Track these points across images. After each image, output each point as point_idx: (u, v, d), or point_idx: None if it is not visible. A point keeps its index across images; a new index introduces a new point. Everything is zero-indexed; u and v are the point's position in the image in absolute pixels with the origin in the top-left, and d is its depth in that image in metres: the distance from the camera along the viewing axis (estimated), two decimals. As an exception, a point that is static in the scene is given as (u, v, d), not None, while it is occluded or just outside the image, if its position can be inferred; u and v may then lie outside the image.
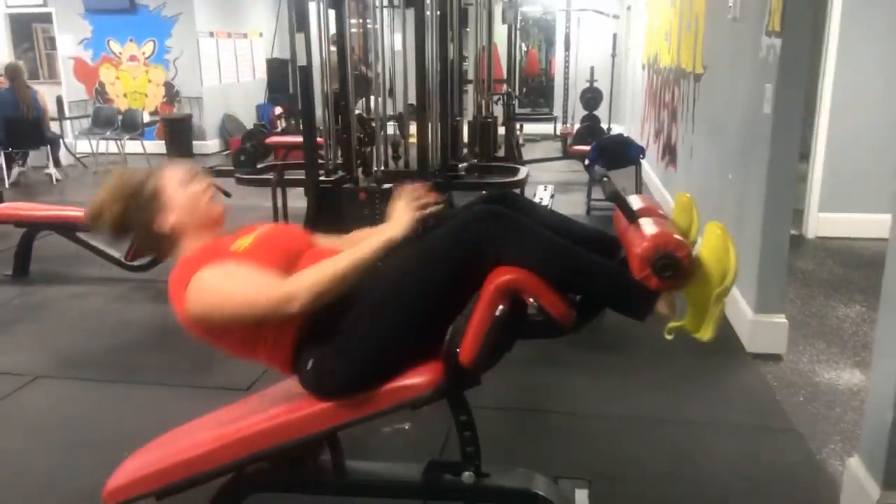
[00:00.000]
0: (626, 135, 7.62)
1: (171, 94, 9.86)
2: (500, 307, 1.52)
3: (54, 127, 8.52)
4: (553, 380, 3.04)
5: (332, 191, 3.70)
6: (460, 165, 3.80)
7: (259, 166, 4.05)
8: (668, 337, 1.57)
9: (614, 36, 9.72)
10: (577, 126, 9.23)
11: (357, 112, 4.23)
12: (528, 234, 1.55)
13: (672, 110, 6.15)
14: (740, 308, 3.36)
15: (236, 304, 1.57)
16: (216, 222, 1.81)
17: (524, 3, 11.01)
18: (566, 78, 10.71)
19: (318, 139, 3.89)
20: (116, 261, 4.32)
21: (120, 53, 9.83)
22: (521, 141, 8.79)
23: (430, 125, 3.65)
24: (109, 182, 1.81)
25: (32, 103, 7.66)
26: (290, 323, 1.62)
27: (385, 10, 4.29)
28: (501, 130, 7.07)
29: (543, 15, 12.17)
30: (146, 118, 9.33)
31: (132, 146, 9.14)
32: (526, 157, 8.18)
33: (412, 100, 4.22)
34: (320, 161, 3.79)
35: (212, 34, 9.85)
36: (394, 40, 4.58)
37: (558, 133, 10.01)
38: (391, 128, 4.38)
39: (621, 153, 5.86)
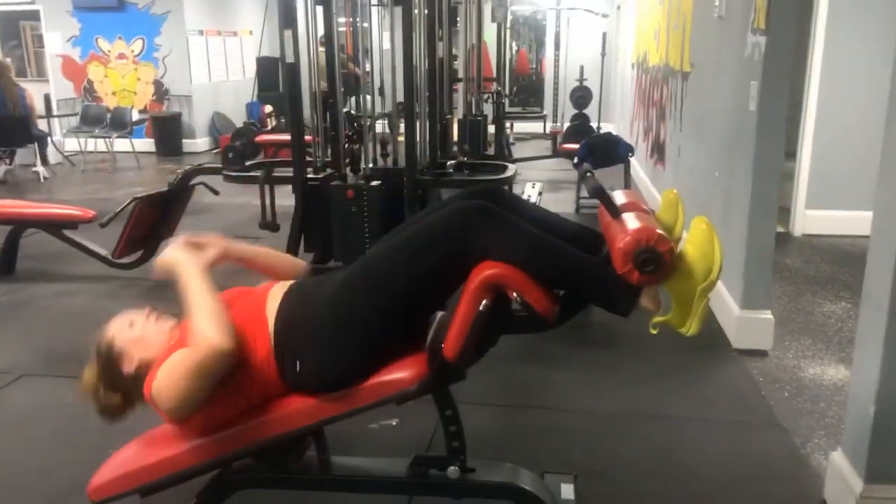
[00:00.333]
0: (615, 133, 7.64)
1: (161, 92, 9.81)
2: (484, 302, 1.52)
3: (42, 125, 8.47)
4: (539, 375, 3.05)
5: (320, 188, 3.70)
6: (449, 163, 3.80)
7: (247, 164, 4.03)
8: (653, 331, 1.58)
9: (604, 35, 9.75)
10: (566, 125, 9.26)
11: (345, 110, 4.22)
12: (514, 229, 1.56)
13: (660, 109, 6.17)
14: (726, 304, 3.38)
15: (186, 382, 1.58)
16: (175, 338, 1.78)
17: (514, 1, 11.01)
18: (556, 77, 10.73)
19: (307, 137, 3.89)
20: (103, 258, 4.30)
21: (108, 51, 9.78)
22: (510, 139, 8.81)
23: (418, 123, 3.65)
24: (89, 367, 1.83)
25: (20, 101, 7.61)
26: (256, 345, 1.65)
27: (374, 9, 4.29)
28: (491, 129, 7.09)
29: (533, 14, 12.18)
30: (135, 116, 9.28)
31: (121, 144, 9.09)
32: (516, 155, 8.19)
33: (400, 98, 4.23)
34: (308, 158, 3.78)
35: (201, 32, 9.81)
36: (383, 39, 4.57)
37: (548, 132, 10.03)
38: (380, 126, 4.38)
39: (610, 151, 5.87)
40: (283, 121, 8.87)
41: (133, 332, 1.78)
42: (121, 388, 1.78)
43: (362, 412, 1.66)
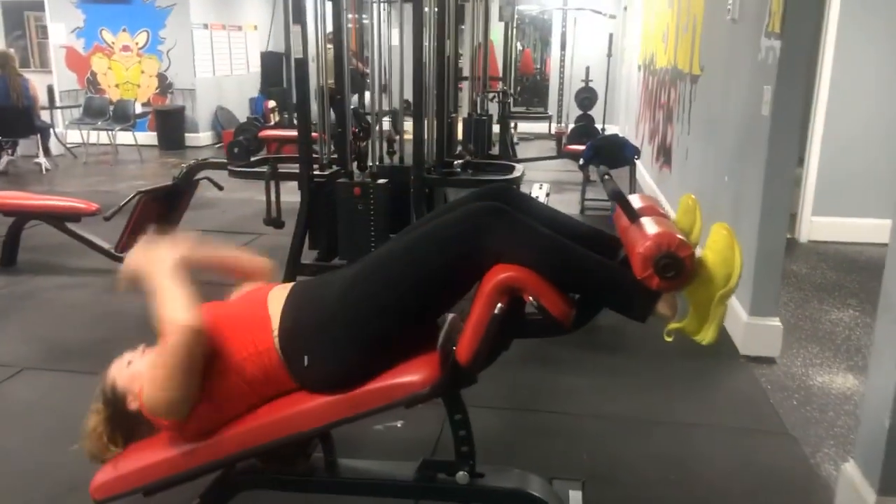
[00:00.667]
0: (621, 135, 7.61)
1: (164, 85, 9.77)
2: (499, 305, 1.49)
3: (45, 116, 8.43)
4: (546, 379, 3.02)
5: (326, 185, 3.66)
6: (456, 163, 3.76)
7: (252, 160, 3.99)
8: (668, 339, 1.56)
9: (610, 36, 9.71)
10: (571, 125, 9.22)
11: (352, 107, 4.19)
12: (529, 231, 1.53)
13: (668, 111, 6.14)
14: (735, 310, 3.35)
15: (169, 373, 1.58)
16: None
17: (521, 1, 10.98)
18: (561, 77, 10.69)
19: (313, 133, 3.85)
20: (106, 251, 4.27)
21: (113, 43, 9.73)
22: (514, 139, 8.78)
23: (426, 121, 3.62)
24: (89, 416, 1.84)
25: (23, 91, 7.57)
26: (255, 336, 1.65)
27: (381, 6, 4.25)
28: (496, 129, 7.06)
29: (539, 14, 12.14)
30: (138, 109, 9.24)
31: (123, 137, 9.05)
32: (520, 155, 8.16)
33: (407, 96, 4.19)
34: (314, 155, 3.74)
35: (206, 26, 9.77)
36: (389, 36, 4.54)
37: (553, 132, 10.00)
38: (385, 123, 4.35)
39: (616, 153, 5.84)
40: (286, 116, 8.84)
41: (130, 369, 1.79)
42: (128, 427, 1.78)
43: (372, 415, 1.63)
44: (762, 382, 3.03)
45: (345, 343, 1.60)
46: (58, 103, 9.28)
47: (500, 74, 8.45)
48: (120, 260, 4.20)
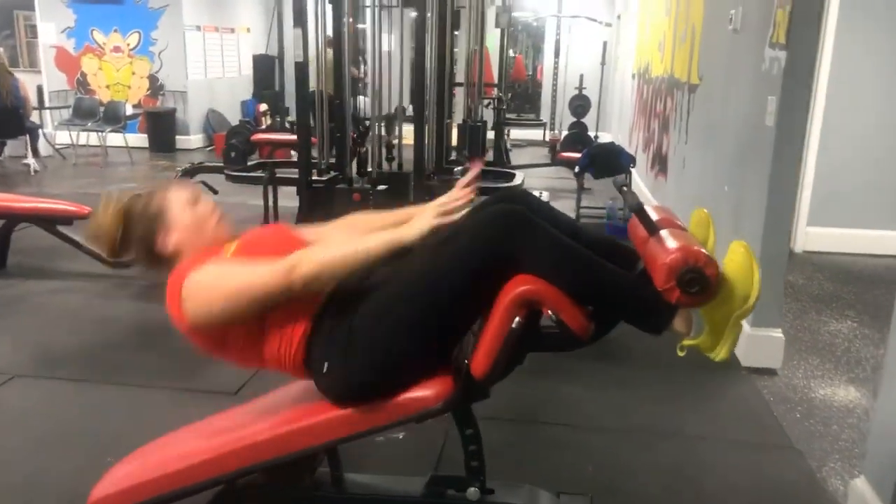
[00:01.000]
0: (616, 143, 7.61)
1: (156, 86, 9.69)
2: (517, 319, 1.46)
3: (34, 116, 8.32)
4: (549, 389, 2.99)
5: (325, 191, 3.62)
6: (455, 169, 3.74)
7: (249, 164, 3.95)
8: (681, 353, 1.54)
9: (604, 44, 9.73)
10: (564, 133, 9.23)
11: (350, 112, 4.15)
12: (550, 237, 1.49)
13: (664, 120, 6.14)
14: (736, 321, 3.33)
15: (234, 291, 1.52)
16: (222, 245, 1.72)
17: (514, 8, 10.98)
18: (555, 84, 10.70)
19: (312, 138, 3.81)
20: (97, 255, 4.19)
21: (104, 44, 9.64)
22: (508, 146, 8.76)
23: (426, 127, 3.59)
24: (110, 200, 1.74)
25: (13, 91, 7.47)
26: (297, 317, 1.58)
27: (377, 11, 4.22)
28: (490, 135, 7.03)
29: (532, 21, 12.16)
30: (129, 110, 9.15)
31: (114, 139, 8.95)
32: (513, 162, 8.14)
33: (403, 101, 4.17)
34: (313, 160, 3.70)
35: (199, 28, 9.70)
36: (384, 41, 4.51)
37: (546, 139, 10.00)
38: (381, 128, 4.31)
39: (612, 161, 5.81)
40: (277, 119, 8.78)
41: (193, 212, 1.69)
42: (133, 248, 1.69)
43: (383, 431, 1.59)
44: (765, 394, 3.01)
45: (366, 360, 1.55)
46: (47, 104, 9.17)
47: (495, 81, 8.43)
48: (112, 265, 4.16)
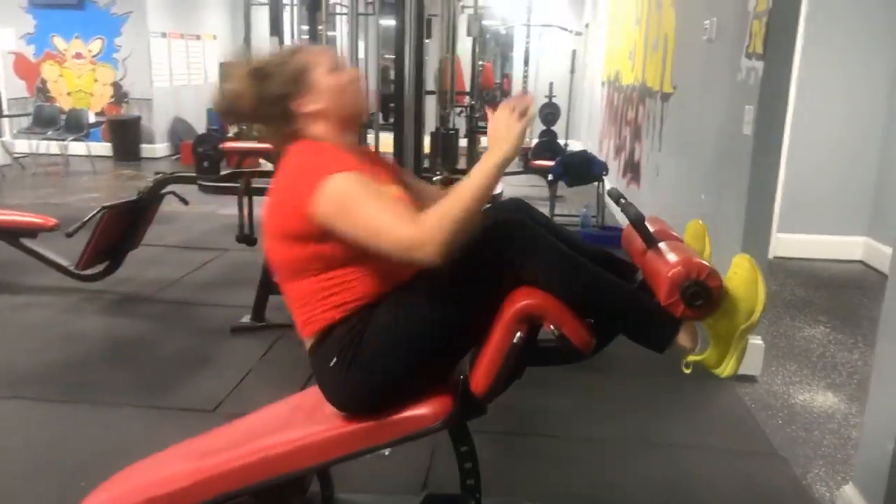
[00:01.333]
0: (589, 152, 7.66)
1: (119, 94, 9.48)
2: (519, 334, 1.42)
3: (-8, 125, 8.09)
4: (535, 401, 2.96)
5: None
6: (434, 178, 3.71)
7: (223, 174, 3.86)
8: (686, 370, 1.52)
9: (573, 52, 9.81)
10: (535, 140, 9.26)
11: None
12: (551, 247, 1.46)
13: (636, 128, 6.19)
14: (716, 329, 3.35)
15: (367, 225, 1.39)
16: (356, 120, 1.67)
17: (484, 16, 11.02)
18: (524, 93, 10.75)
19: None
20: (64, 269, 4.05)
21: (65, 50, 9.41)
22: (481, 154, 8.75)
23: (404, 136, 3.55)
24: (236, 64, 1.62)
25: (-30, 99, 7.24)
26: (357, 289, 1.50)
27: (346, 18, 4.18)
28: (463, 143, 7.02)
29: (501, 29, 12.22)
30: (91, 118, 8.93)
31: (76, 147, 8.72)
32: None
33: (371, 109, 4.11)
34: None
35: (164, 35, 9.52)
36: (356, 48, 4.46)
37: (517, 147, 10.01)
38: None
39: (585, 170, 5.87)
40: (244, 128, 8.63)
41: (336, 77, 1.58)
42: (269, 104, 1.56)
43: (379, 450, 1.54)
44: (746, 401, 3.03)
45: (370, 371, 1.50)
46: (5, 111, 8.90)
47: (467, 89, 8.43)
48: (80, 278, 4.02)
